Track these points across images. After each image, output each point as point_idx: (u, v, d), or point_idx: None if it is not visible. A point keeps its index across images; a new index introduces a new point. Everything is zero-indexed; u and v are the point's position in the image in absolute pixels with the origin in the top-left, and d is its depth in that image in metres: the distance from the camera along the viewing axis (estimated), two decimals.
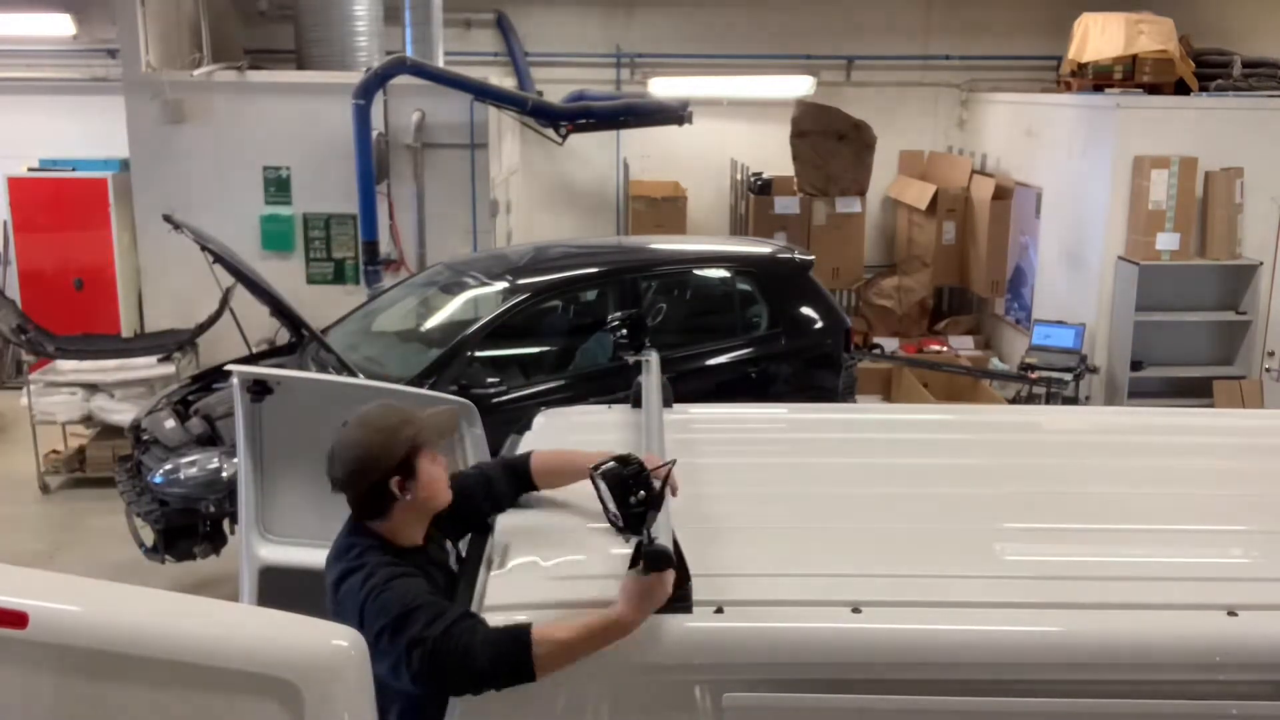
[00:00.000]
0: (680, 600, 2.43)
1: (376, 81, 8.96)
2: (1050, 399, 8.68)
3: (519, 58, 11.62)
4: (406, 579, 2.64)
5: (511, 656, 2.40)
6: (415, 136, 9.39)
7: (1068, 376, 8.67)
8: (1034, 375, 8.74)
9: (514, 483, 3.08)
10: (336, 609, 2.73)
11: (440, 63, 9.81)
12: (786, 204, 10.69)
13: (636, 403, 3.78)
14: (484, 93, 9.31)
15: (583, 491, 2.84)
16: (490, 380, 6.43)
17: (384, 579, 2.64)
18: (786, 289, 7.42)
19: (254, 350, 7.25)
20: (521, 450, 3.32)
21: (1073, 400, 8.79)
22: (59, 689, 2.15)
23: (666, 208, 11.16)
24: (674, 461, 2.58)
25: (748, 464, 3.60)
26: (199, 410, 6.65)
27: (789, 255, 7.82)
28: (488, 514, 3.05)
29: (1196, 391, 8.98)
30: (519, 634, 2.41)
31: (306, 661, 2.14)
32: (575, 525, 2.86)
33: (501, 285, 6.91)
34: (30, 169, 10.28)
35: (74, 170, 10.16)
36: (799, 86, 11.53)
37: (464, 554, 3.05)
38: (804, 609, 2.50)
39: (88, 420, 8.53)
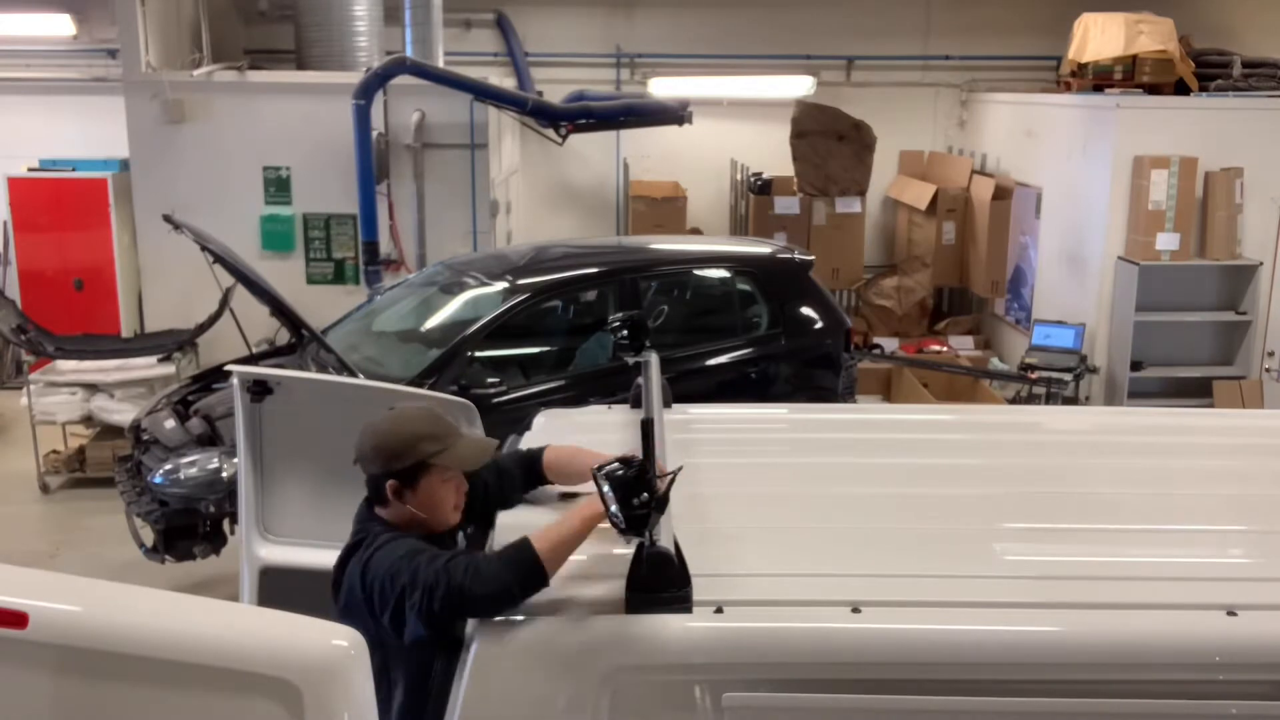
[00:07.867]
0: (680, 600, 2.44)
1: (376, 81, 8.96)
2: (1050, 399, 8.68)
3: (519, 58, 11.61)
4: (403, 539, 2.76)
5: (520, 561, 2.49)
6: (415, 136, 9.39)
7: (1068, 377, 8.67)
8: (1034, 375, 8.73)
9: (526, 476, 3.10)
10: (343, 584, 2.84)
11: (440, 63, 9.80)
12: (786, 204, 10.69)
13: (636, 403, 3.79)
14: (484, 93, 9.30)
15: (584, 491, 2.85)
16: (490, 380, 6.43)
17: (384, 541, 2.77)
18: (786, 289, 7.41)
19: (254, 350, 7.25)
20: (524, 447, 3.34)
21: (1073, 400, 8.79)
22: (59, 689, 2.15)
23: (666, 208, 11.15)
24: (680, 469, 2.59)
25: (748, 464, 3.59)
26: (199, 410, 6.65)
27: (789, 255, 7.81)
28: (498, 505, 3.05)
29: (1196, 392, 8.98)
30: (519, 543, 2.53)
31: (306, 661, 2.14)
32: None
33: (501, 285, 6.91)
34: (30, 169, 10.28)
35: (74, 170, 10.15)
36: (799, 86, 11.52)
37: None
38: (804, 609, 2.50)
39: (88, 420, 8.53)
